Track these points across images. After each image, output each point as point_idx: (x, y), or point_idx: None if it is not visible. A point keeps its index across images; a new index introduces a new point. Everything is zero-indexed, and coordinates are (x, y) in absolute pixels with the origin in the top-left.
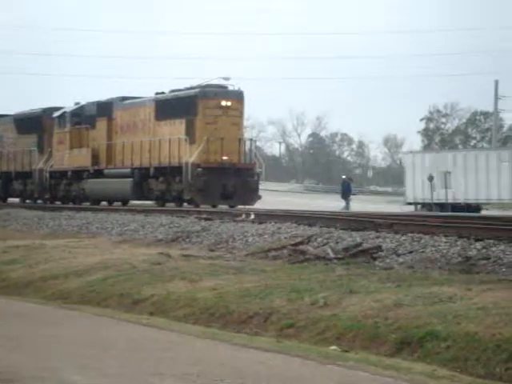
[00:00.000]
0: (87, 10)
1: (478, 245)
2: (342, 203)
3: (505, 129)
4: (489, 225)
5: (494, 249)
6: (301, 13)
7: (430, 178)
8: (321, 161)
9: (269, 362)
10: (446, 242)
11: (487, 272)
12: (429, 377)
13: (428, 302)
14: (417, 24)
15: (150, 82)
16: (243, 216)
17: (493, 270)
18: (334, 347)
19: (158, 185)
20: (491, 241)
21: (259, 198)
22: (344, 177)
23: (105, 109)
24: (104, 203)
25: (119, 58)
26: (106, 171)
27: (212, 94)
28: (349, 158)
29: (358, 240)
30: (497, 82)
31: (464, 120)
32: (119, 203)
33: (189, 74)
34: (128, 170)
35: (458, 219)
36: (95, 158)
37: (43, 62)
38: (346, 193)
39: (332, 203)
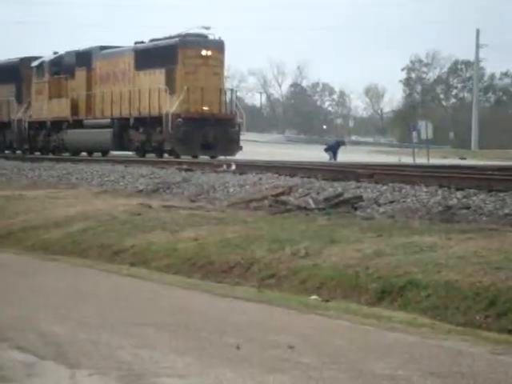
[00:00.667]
0: None
1: (459, 194)
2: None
3: (486, 78)
4: (469, 174)
5: (474, 198)
6: None
7: None
8: (302, 111)
9: (250, 311)
10: (426, 192)
11: (468, 221)
12: (409, 325)
13: (409, 251)
14: None
15: (129, 31)
16: (224, 167)
17: (473, 219)
18: (314, 297)
19: (138, 135)
20: (472, 190)
21: (240, 148)
22: (335, 135)
23: (84, 58)
24: (84, 154)
25: (99, 6)
26: (85, 121)
27: (192, 43)
28: (330, 108)
29: (340, 190)
30: (478, 31)
31: (445, 69)
32: (99, 154)
33: (169, 23)
34: (108, 121)
35: (438, 169)
36: (74, 108)
37: (20, 9)
38: (334, 150)
39: (315, 153)
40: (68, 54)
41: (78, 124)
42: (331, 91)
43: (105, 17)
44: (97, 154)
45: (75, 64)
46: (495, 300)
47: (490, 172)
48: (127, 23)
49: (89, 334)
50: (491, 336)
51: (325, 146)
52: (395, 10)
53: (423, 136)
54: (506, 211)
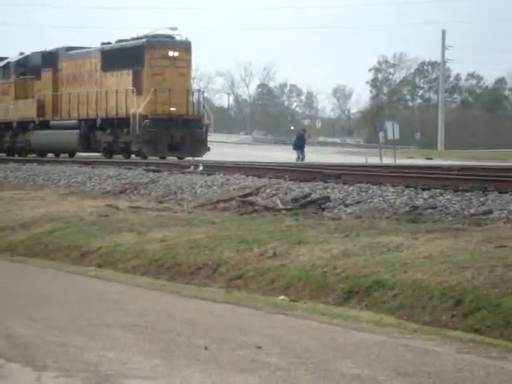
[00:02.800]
0: None
1: (425, 194)
2: (294, 155)
3: (451, 78)
4: (435, 174)
5: (440, 198)
6: None
7: None
8: (270, 112)
9: (217, 312)
10: (393, 192)
11: (434, 221)
12: (376, 325)
13: (376, 251)
14: None
15: (96, 32)
16: (192, 168)
17: (439, 218)
18: (282, 297)
19: (105, 136)
20: (438, 190)
21: (208, 149)
22: (295, 128)
23: (50, 59)
24: (50, 155)
25: (65, 7)
26: (52, 123)
27: (159, 44)
28: (297, 109)
29: (307, 191)
30: (444, 32)
31: (412, 70)
32: (66, 155)
33: (135, 24)
34: (74, 122)
35: (405, 169)
36: (41, 109)
37: None
38: (300, 144)
39: (283, 154)
40: (34, 54)
41: (45, 125)
42: (299, 92)
43: (73, 18)
44: (64, 156)
45: (41, 65)
46: (461, 299)
47: (455, 172)
48: (94, 24)
49: (56, 336)
50: (457, 335)
51: (292, 146)
52: (362, 11)
53: (390, 136)
54: (472, 211)
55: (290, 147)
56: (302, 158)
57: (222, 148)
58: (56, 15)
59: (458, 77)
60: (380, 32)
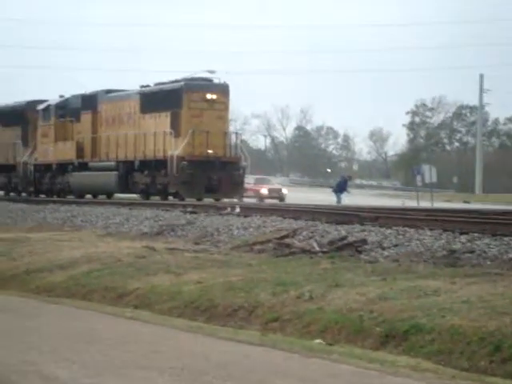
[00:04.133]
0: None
1: (463, 238)
2: (334, 197)
3: (489, 122)
4: (473, 218)
5: (478, 242)
6: (283, 5)
7: None
8: (306, 154)
9: (254, 355)
10: (430, 236)
11: (472, 265)
12: (413, 370)
13: (413, 295)
14: (402, 17)
15: (135, 74)
16: (228, 209)
17: (477, 263)
18: (318, 341)
19: (142, 178)
20: (476, 234)
21: (244, 191)
22: (342, 173)
23: (89, 102)
24: (89, 196)
25: (104, 50)
26: (90, 164)
27: (197, 87)
28: (334, 152)
29: (343, 233)
30: (482, 76)
31: (450, 114)
32: (104, 196)
33: (175, 67)
34: (113, 163)
35: (442, 212)
36: (80, 150)
37: (26, 54)
38: (341, 188)
39: (320, 196)
40: (74, 97)
41: (84, 167)
42: (335, 135)
43: (113, 61)
44: (102, 197)
45: (81, 107)
46: (500, 345)
47: (494, 216)
48: (134, 67)
49: (91, 378)
50: (496, 381)
51: (332, 188)
52: (401, 54)
53: (427, 180)
54: (511, 255)
55: (327, 189)
56: (339, 198)
57: None
58: (96, 58)
59: (496, 120)
60: (418, 75)
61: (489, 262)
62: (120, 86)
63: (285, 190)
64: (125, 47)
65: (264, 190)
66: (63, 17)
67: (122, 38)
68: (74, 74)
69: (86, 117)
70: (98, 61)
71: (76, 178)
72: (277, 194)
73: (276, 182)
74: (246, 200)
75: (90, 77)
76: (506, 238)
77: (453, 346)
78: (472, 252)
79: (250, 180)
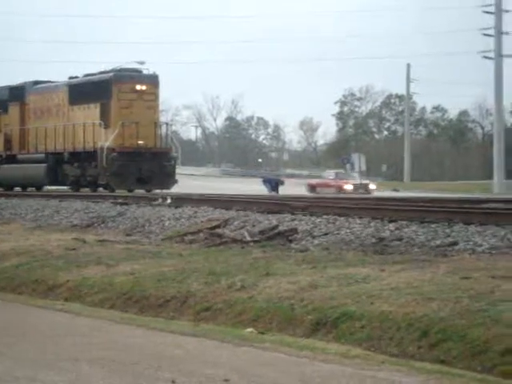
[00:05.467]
0: None
1: (392, 226)
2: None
3: (417, 111)
4: (402, 206)
5: (406, 229)
6: None
7: None
8: (237, 144)
9: (185, 345)
10: (360, 224)
11: (400, 252)
12: (343, 356)
13: (343, 282)
14: (334, 7)
15: (63, 66)
16: (159, 200)
17: (405, 250)
18: (250, 329)
19: (72, 170)
20: (404, 222)
21: (176, 182)
22: (276, 177)
23: (17, 93)
24: (18, 189)
25: (33, 42)
26: (19, 156)
27: (126, 77)
28: (265, 142)
29: (275, 223)
30: (409, 66)
31: (378, 103)
32: (33, 189)
33: (103, 58)
34: (42, 156)
35: (371, 201)
36: (8, 143)
37: None
38: (272, 185)
39: (251, 187)
40: (1, 88)
41: (12, 159)
42: (266, 125)
43: (41, 53)
44: (31, 189)
45: (8, 99)
46: (427, 330)
47: (421, 203)
48: (62, 58)
49: (24, 371)
50: (424, 366)
51: (262, 179)
52: (330, 44)
53: (356, 168)
54: (438, 242)
55: (259, 180)
56: (276, 192)
57: (190, 180)
58: (24, 49)
59: (423, 110)
60: (347, 65)
61: (416, 249)
62: (48, 77)
63: (372, 186)
64: (52, 38)
65: (348, 186)
66: None
67: (49, 30)
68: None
69: (14, 108)
70: (26, 51)
71: (4, 171)
72: (363, 190)
73: (356, 175)
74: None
75: (18, 68)
76: (433, 225)
77: (382, 332)
78: (400, 239)
79: (329, 175)
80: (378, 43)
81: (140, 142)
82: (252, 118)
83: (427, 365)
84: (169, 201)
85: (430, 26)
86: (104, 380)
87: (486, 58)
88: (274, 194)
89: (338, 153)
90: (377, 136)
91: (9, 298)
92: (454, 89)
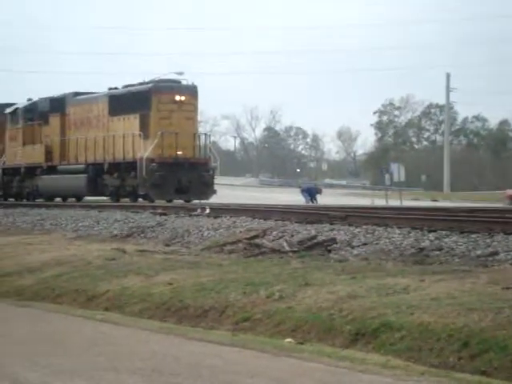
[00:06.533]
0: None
1: (431, 236)
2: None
3: (458, 121)
4: (441, 216)
5: (446, 239)
6: (254, 8)
7: None
8: (276, 155)
9: (224, 355)
10: (399, 234)
11: (440, 263)
12: (383, 367)
13: (382, 293)
14: (371, 17)
15: (104, 77)
16: (198, 210)
17: (445, 260)
18: (289, 340)
19: (112, 180)
20: (444, 232)
21: (214, 192)
22: (315, 186)
23: (58, 104)
24: (58, 199)
25: (75, 53)
26: (59, 167)
27: (165, 88)
28: (303, 152)
29: (313, 233)
30: (448, 75)
31: (418, 113)
32: (73, 199)
33: (143, 69)
34: (82, 166)
35: (411, 211)
36: (49, 154)
37: None
38: (311, 194)
39: (290, 196)
40: (42, 100)
41: (53, 170)
42: (304, 135)
43: (80, 64)
44: (71, 200)
45: (49, 110)
46: (468, 341)
47: (461, 214)
48: (102, 70)
49: (62, 381)
50: (465, 377)
51: (300, 189)
52: (369, 54)
53: (396, 178)
54: (478, 252)
55: (297, 190)
56: (313, 201)
57: (228, 191)
58: (65, 61)
59: (465, 120)
60: (387, 75)
61: (457, 259)
62: (88, 89)
63: None
64: (93, 50)
65: None
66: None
67: (89, 42)
68: (43, 76)
69: (55, 120)
70: (67, 63)
71: (45, 181)
72: None
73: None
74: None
75: (58, 79)
76: (473, 235)
77: (422, 343)
78: (440, 249)
79: None
80: (418, 53)
81: (179, 152)
82: (291, 128)
83: (468, 376)
84: (207, 211)
85: (470, 36)
86: None
87: None
88: (312, 203)
89: (377, 163)
90: (416, 146)
91: (49, 307)
92: (494, 98)
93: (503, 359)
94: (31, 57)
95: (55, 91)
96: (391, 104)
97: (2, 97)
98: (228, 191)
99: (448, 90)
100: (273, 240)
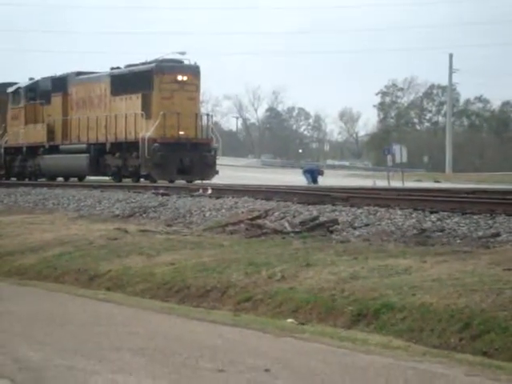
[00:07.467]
0: None
1: (433, 217)
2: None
3: (461, 102)
4: (444, 197)
5: (448, 221)
6: None
7: None
8: (278, 135)
9: (226, 335)
10: (401, 215)
11: (442, 244)
12: (384, 348)
13: (384, 274)
14: None
15: (105, 56)
16: (200, 191)
17: (447, 241)
18: (290, 320)
19: (114, 160)
20: (446, 213)
21: (216, 173)
22: (317, 167)
23: (60, 84)
24: (60, 179)
25: (74, 32)
26: (61, 147)
27: (168, 68)
28: (305, 133)
29: (315, 213)
30: (451, 56)
31: (420, 94)
32: (75, 179)
33: (145, 49)
34: (84, 146)
35: (413, 192)
36: (51, 133)
37: None
38: (313, 175)
39: (291, 177)
40: (44, 79)
41: (55, 149)
42: (307, 116)
43: (83, 43)
44: (73, 180)
45: (51, 90)
46: (470, 322)
47: (463, 195)
48: (103, 49)
49: (64, 360)
50: (466, 358)
51: (302, 170)
52: (371, 35)
53: (398, 159)
54: (480, 234)
55: (299, 171)
56: (315, 183)
57: (230, 171)
58: (65, 40)
59: (467, 101)
60: (390, 56)
61: (458, 241)
62: (90, 68)
63: None
64: (94, 29)
65: None
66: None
67: (92, 21)
68: (43, 55)
69: (57, 99)
70: (67, 43)
71: (47, 161)
72: None
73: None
74: None
75: (60, 59)
76: (475, 217)
77: (423, 323)
78: (442, 231)
79: None
80: (420, 35)
81: (181, 132)
82: (293, 108)
83: (469, 356)
84: (209, 191)
85: (473, 17)
86: (146, 369)
87: None
88: (313, 184)
89: (379, 144)
90: (418, 127)
91: (51, 287)
92: (497, 79)
93: (504, 340)
94: (36, 35)
95: (55, 71)
96: (394, 85)
97: (11, 76)
98: (230, 172)
99: (451, 71)
100: (275, 221)
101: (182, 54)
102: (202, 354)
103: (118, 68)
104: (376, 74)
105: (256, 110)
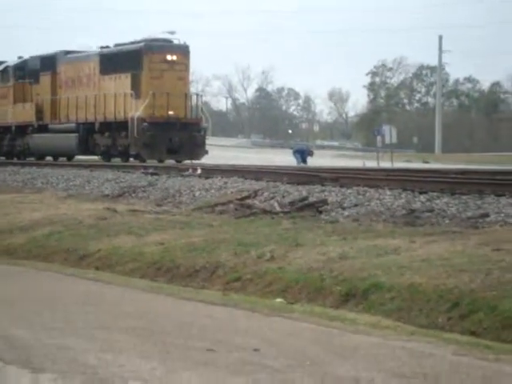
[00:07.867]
0: None
1: (422, 197)
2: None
3: (450, 83)
4: (433, 177)
5: (437, 201)
6: None
7: None
8: (268, 116)
9: (215, 315)
10: (390, 195)
11: (431, 224)
12: (373, 327)
13: (373, 254)
14: None
15: (95, 35)
16: (190, 171)
17: (436, 222)
18: (279, 300)
19: (103, 140)
20: (435, 193)
21: (206, 152)
22: (307, 148)
23: (49, 63)
24: (49, 158)
25: (62, 10)
26: (50, 126)
27: (157, 48)
28: (295, 113)
29: (304, 194)
30: (441, 37)
31: (410, 74)
32: (64, 158)
33: (134, 28)
34: (73, 125)
35: (402, 172)
36: (39, 112)
37: None
38: (303, 156)
39: (281, 157)
40: (32, 58)
41: (43, 129)
42: (296, 96)
43: (72, 22)
44: (62, 159)
45: (40, 69)
46: (458, 302)
47: (453, 175)
48: (94, 28)
49: (54, 339)
50: (454, 337)
51: (292, 150)
52: (361, 15)
53: (387, 140)
54: (469, 214)
55: (289, 151)
56: (305, 163)
57: (220, 151)
58: (53, 18)
59: (456, 81)
60: (379, 37)
61: (447, 221)
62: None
63: None
64: (86, 7)
65: None
66: None
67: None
68: (33, 33)
69: (46, 78)
70: (57, 20)
71: (36, 140)
72: None
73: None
74: None
75: (49, 37)
76: (464, 197)
77: (412, 303)
78: (431, 211)
79: None
80: (411, 15)
81: (170, 112)
82: (282, 89)
83: (457, 336)
84: (199, 171)
85: None
86: (135, 348)
87: None
88: (303, 164)
89: (368, 124)
90: (408, 108)
91: (41, 266)
92: (486, 60)
93: (492, 320)
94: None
95: (44, 49)
96: (383, 65)
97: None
98: (219, 152)
99: (440, 51)
100: (264, 201)
101: (172, 33)
102: (190, 334)
103: (107, 47)
104: (366, 54)
105: (246, 90)
